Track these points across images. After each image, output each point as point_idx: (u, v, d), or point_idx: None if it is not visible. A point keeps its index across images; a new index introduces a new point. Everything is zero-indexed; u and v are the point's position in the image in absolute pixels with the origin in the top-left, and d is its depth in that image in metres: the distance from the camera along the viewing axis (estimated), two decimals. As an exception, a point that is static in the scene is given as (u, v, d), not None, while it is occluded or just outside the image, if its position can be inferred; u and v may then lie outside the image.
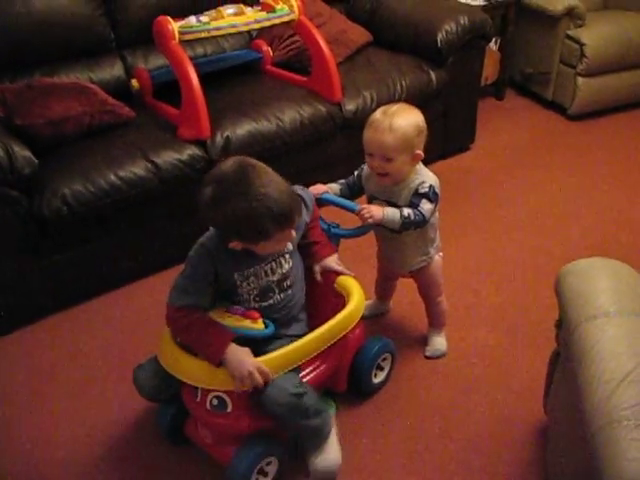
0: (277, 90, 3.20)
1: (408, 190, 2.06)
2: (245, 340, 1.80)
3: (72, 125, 2.72)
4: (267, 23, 2.99)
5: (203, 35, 2.84)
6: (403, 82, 3.35)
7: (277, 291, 1.93)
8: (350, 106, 3.17)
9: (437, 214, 2.16)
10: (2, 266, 2.49)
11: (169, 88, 2.96)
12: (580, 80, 4.10)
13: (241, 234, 1.73)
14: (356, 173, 2.22)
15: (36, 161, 2.42)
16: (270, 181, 1.70)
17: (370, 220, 2.00)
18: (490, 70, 4.34)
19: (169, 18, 2.77)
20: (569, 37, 4.10)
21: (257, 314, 1.85)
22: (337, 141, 3.17)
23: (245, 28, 2.97)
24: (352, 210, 2.06)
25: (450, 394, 2.26)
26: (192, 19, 2.82)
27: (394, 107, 2.03)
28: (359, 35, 3.63)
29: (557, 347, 1.84)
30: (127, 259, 2.78)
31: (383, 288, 2.55)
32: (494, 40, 4.31)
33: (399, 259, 2.26)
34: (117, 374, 2.37)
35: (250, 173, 1.69)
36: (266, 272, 1.89)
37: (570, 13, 4.06)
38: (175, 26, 2.76)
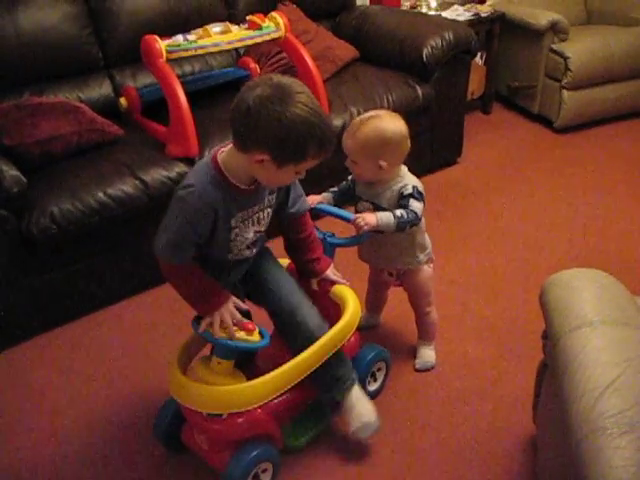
0: (264, 107, 3.22)
1: (390, 192, 2.12)
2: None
3: (61, 144, 2.74)
4: (254, 41, 3.03)
5: (190, 53, 2.86)
6: (389, 97, 3.39)
7: (258, 244, 1.92)
8: (337, 121, 3.18)
9: (424, 220, 2.19)
10: (-10, 285, 2.49)
11: (158, 106, 2.98)
12: (565, 93, 4.15)
13: (279, 146, 1.56)
14: (350, 177, 2.26)
15: (25, 180, 2.44)
16: (318, 104, 1.62)
17: (366, 227, 2.03)
18: (476, 84, 4.39)
19: (156, 37, 2.80)
20: (553, 51, 4.16)
21: (252, 325, 1.83)
22: (325, 156, 3.19)
23: (232, 46, 3.00)
24: (347, 219, 2.09)
25: (440, 407, 2.27)
26: (179, 38, 2.84)
27: (374, 113, 2.12)
28: (345, 51, 3.67)
29: (544, 358, 1.86)
30: (116, 277, 2.78)
31: (374, 299, 2.56)
32: (480, 55, 4.37)
33: (383, 256, 2.27)
34: (106, 393, 2.37)
35: (305, 87, 1.61)
36: (254, 221, 1.83)
37: (554, 27, 4.11)
38: (162, 45, 2.79)
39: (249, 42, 3.03)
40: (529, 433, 2.11)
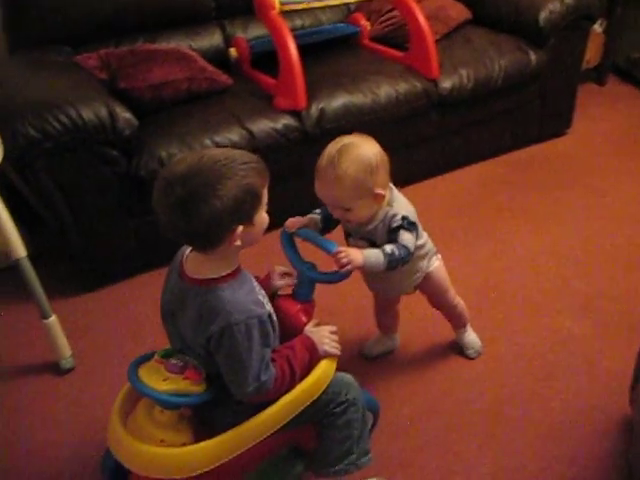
0: (373, 64, 3.19)
1: (383, 224, 1.83)
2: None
3: (171, 89, 2.79)
4: (367, -4, 2.99)
5: (303, 6, 2.87)
6: (501, 62, 3.28)
7: None
8: (446, 84, 3.12)
9: (421, 229, 1.95)
10: (98, 223, 2.59)
11: (266, 58, 3.00)
12: (691, 69, 3.92)
13: (240, 211, 1.44)
14: None
15: (136, 123, 2.50)
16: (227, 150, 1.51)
17: (349, 267, 1.71)
18: (592, 53, 4.19)
19: (271, -12, 2.80)
20: (683, 21, 3.93)
21: (199, 375, 1.55)
22: (431, 118, 3.13)
23: (344, 1, 2.98)
24: (328, 251, 1.73)
25: (532, 381, 2.23)
26: (293, -11, 2.84)
27: (339, 145, 1.74)
28: (459, 12, 3.57)
29: (648, 339, 1.80)
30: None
31: (384, 317, 2.33)
32: (599, 22, 4.17)
33: (389, 288, 2.11)
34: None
35: (205, 152, 1.50)
36: None
37: (686, -5, 3.88)
38: (276, -4, 2.79)
39: (362, -2, 3.00)
40: (623, 414, 2.05)
